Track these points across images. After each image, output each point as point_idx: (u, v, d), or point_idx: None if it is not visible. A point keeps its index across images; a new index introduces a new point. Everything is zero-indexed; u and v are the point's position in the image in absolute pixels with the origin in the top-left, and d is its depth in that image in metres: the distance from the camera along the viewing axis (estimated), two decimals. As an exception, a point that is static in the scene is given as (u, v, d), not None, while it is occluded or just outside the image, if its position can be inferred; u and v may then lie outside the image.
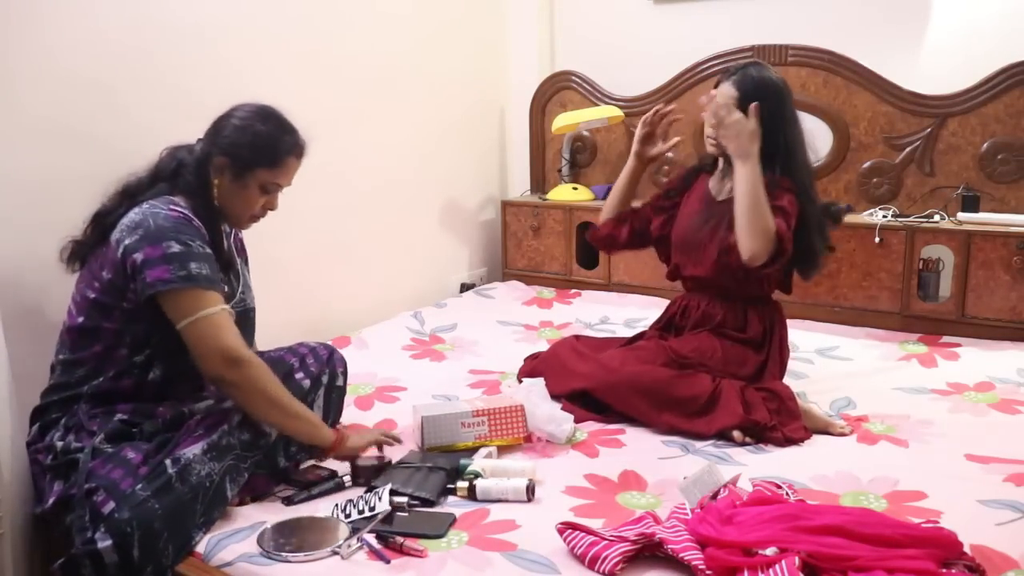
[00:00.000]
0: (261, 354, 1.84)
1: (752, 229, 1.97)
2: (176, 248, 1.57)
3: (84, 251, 1.70)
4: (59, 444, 1.59)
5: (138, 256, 1.56)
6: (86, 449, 1.55)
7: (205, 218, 1.66)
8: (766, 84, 2.06)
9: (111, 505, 1.45)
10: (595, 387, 2.07)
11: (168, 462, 1.52)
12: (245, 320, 1.80)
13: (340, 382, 1.93)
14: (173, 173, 1.71)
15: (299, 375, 1.82)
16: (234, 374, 1.58)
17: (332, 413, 1.91)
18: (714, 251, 2.12)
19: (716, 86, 2.12)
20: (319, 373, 1.86)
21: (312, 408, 1.82)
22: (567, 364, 2.17)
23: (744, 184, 1.98)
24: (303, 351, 1.88)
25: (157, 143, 1.80)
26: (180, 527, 1.48)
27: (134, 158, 1.93)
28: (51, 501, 1.55)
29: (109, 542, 1.42)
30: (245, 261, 1.93)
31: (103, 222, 1.68)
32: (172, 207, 1.62)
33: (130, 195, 1.69)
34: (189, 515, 1.49)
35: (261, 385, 1.61)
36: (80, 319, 1.65)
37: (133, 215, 1.62)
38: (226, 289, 1.69)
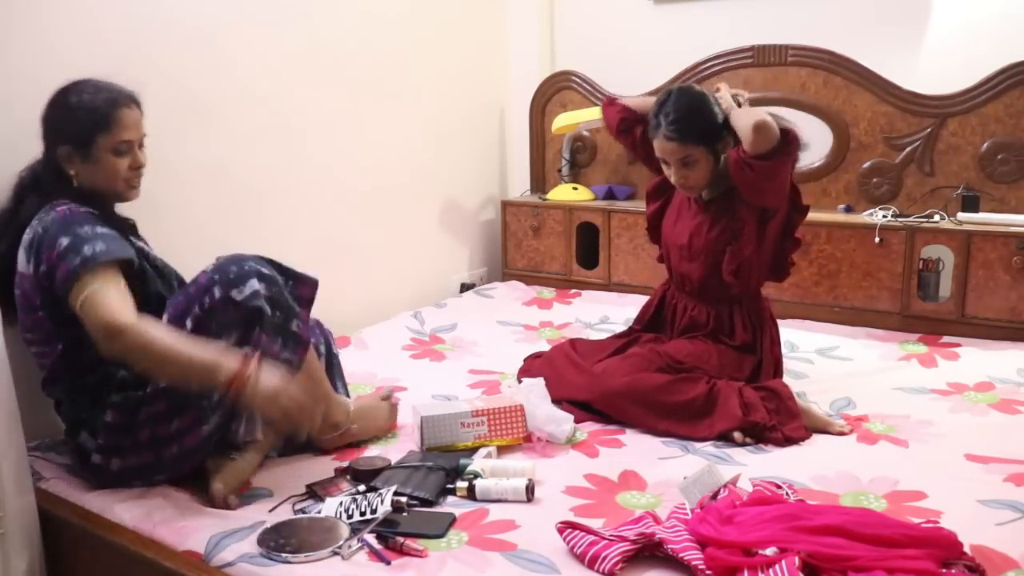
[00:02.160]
0: None
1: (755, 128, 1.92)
2: (65, 242, 1.59)
3: (5, 297, 1.72)
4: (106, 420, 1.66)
5: (42, 267, 1.61)
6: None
7: (89, 204, 1.69)
8: (699, 110, 2.04)
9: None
10: (592, 399, 2.07)
11: None
12: (169, 276, 1.84)
13: (335, 350, 2.03)
14: (34, 185, 1.74)
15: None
16: (116, 346, 1.53)
17: (338, 378, 2.00)
18: (700, 259, 2.14)
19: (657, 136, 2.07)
20: (316, 343, 1.93)
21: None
22: (563, 375, 2.16)
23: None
24: None
25: (157, 142, 1.80)
26: None
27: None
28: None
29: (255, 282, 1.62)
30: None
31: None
32: (58, 207, 1.66)
33: (2, 228, 1.74)
34: None
35: (144, 345, 1.53)
36: (59, 345, 1.68)
37: (27, 235, 1.65)
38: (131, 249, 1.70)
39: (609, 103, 2.38)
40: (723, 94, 2.11)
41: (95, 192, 1.72)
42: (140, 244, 1.81)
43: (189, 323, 1.63)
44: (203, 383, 1.56)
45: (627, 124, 2.30)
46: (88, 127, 1.67)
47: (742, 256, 2.08)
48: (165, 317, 1.65)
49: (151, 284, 1.75)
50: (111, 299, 1.56)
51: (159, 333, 1.56)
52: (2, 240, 1.73)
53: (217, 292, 1.62)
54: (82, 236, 1.60)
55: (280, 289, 1.69)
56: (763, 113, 1.94)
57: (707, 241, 2.13)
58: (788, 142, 1.95)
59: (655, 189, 2.34)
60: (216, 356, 1.54)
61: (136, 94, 1.75)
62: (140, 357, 1.55)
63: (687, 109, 2.03)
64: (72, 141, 1.69)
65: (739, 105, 2.08)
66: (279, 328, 1.68)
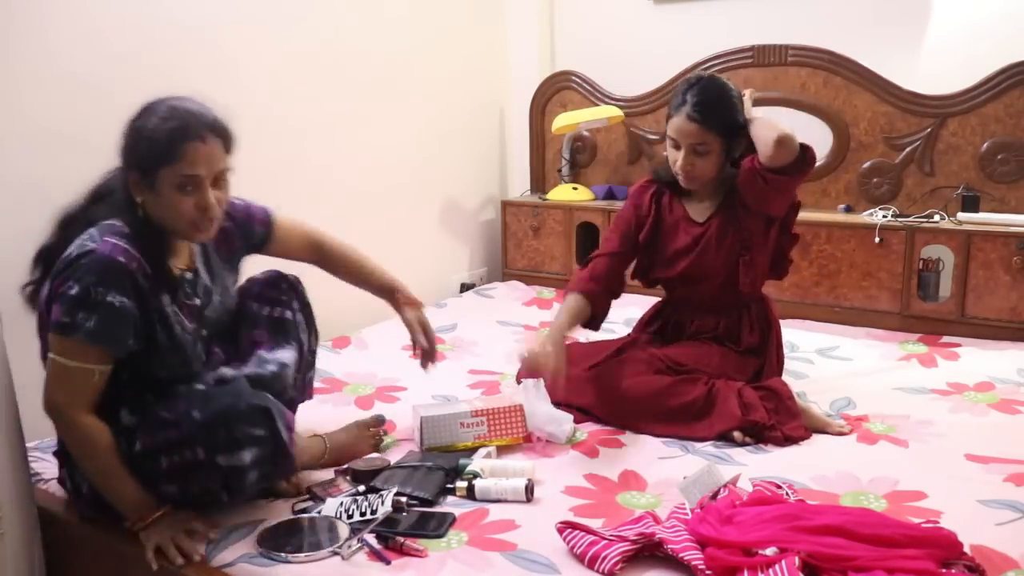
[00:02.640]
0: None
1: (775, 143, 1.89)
2: (73, 290, 1.45)
3: (35, 292, 1.62)
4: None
5: (48, 289, 1.52)
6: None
7: (146, 239, 1.54)
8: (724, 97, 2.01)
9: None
10: (590, 405, 2.06)
11: None
12: (221, 324, 1.75)
13: (307, 299, 1.90)
14: (108, 194, 1.60)
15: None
16: (55, 424, 1.53)
17: (314, 332, 1.88)
18: (714, 278, 2.10)
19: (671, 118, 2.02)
20: (292, 301, 1.85)
21: (301, 340, 1.80)
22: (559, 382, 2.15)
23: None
24: (256, 289, 1.84)
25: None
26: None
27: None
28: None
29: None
30: (228, 259, 1.78)
31: (46, 260, 1.59)
32: (107, 237, 1.50)
33: (65, 225, 1.60)
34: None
35: (80, 447, 1.52)
36: None
37: (74, 244, 1.51)
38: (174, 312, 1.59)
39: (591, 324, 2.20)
40: (747, 101, 2.04)
41: (164, 225, 1.55)
42: (172, 308, 1.59)
43: (164, 462, 1.51)
44: (115, 508, 1.55)
45: (609, 301, 2.20)
46: (151, 157, 1.48)
47: (755, 266, 2.07)
48: (141, 441, 1.52)
49: (156, 364, 1.58)
50: (71, 383, 1.49)
51: (99, 449, 1.50)
52: (62, 238, 1.58)
53: (200, 453, 1.48)
54: (89, 298, 1.45)
55: (274, 441, 1.53)
56: (785, 127, 1.90)
57: (718, 258, 2.09)
58: (807, 160, 1.92)
59: (628, 234, 2.20)
60: (135, 501, 1.52)
61: (220, 123, 1.53)
62: (73, 451, 1.54)
63: (716, 96, 1.99)
64: (137, 168, 1.51)
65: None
66: (263, 479, 1.57)
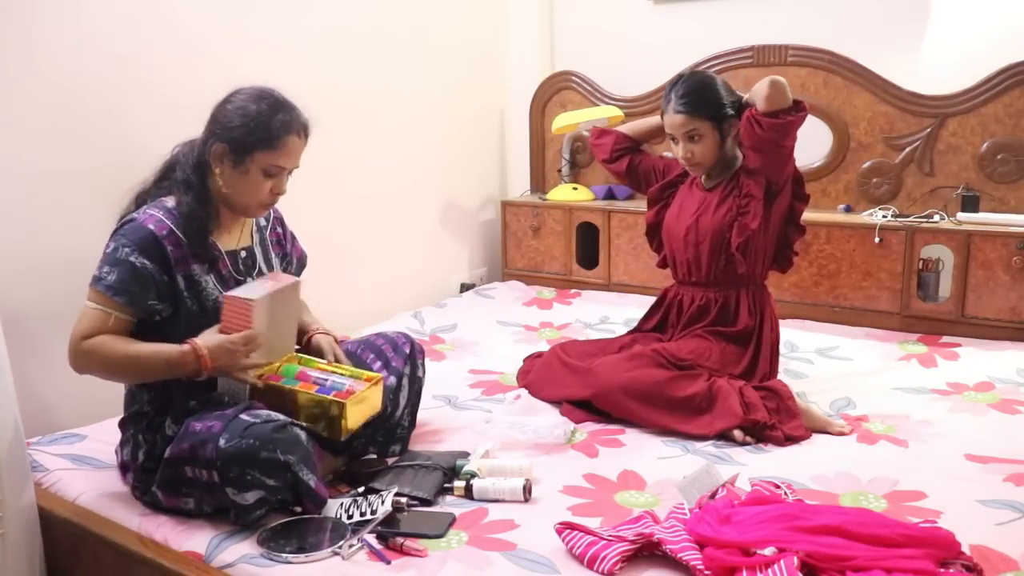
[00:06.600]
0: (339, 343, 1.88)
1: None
2: (108, 248, 1.61)
3: None
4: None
5: None
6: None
7: (195, 214, 1.63)
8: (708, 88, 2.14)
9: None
10: (592, 396, 2.07)
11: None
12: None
13: (420, 372, 1.93)
14: (169, 172, 1.70)
15: (383, 375, 1.81)
16: (71, 362, 1.59)
17: (410, 406, 1.89)
18: (708, 237, 2.16)
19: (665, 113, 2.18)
20: (401, 367, 1.87)
21: (399, 403, 1.84)
22: (560, 378, 2.16)
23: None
24: (380, 343, 1.90)
25: (151, 143, 1.80)
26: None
27: (129, 158, 1.93)
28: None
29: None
30: (285, 256, 1.89)
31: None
32: (149, 211, 1.63)
33: (140, 200, 1.70)
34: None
35: (100, 364, 1.59)
36: None
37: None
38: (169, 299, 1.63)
39: (600, 133, 2.48)
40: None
41: (229, 198, 1.66)
42: (209, 278, 1.66)
43: (188, 472, 1.54)
44: (169, 374, 1.59)
45: (620, 152, 2.40)
46: (253, 138, 1.61)
47: (749, 230, 2.10)
48: (172, 449, 1.56)
49: (183, 330, 1.61)
50: (86, 321, 1.58)
51: (114, 350, 1.57)
52: (134, 211, 1.68)
53: (215, 476, 1.51)
54: (116, 255, 1.58)
55: (295, 488, 1.55)
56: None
57: (714, 219, 2.16)
58: (799, 109, 2.02)
59: (656, 194, 2.38)
60: (179, 358, 1.57)
61: (310, 124, 1.70)
62: (99, 374, 1.60)
63: (698, 86, 2.14)
64: (232, 144, 1.62)
65: None
66: (279, 511, 1.59)
